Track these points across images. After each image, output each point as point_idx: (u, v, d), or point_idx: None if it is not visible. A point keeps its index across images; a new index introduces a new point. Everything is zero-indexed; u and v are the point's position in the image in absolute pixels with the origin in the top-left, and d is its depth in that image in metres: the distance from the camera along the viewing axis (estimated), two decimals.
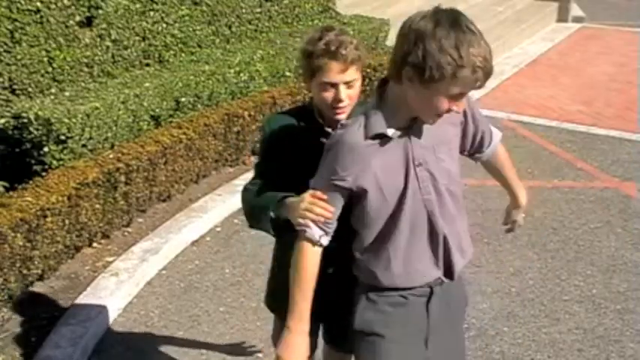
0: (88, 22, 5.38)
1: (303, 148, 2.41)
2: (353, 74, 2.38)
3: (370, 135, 2.18)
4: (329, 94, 2.38)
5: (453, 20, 2.01)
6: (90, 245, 4.58)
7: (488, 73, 2.03)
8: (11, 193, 4.21)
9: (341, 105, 2.39)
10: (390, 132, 2.18)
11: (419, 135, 2.22)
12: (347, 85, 2.38)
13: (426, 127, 2.22)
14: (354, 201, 2.28)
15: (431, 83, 2.02)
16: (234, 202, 5.16)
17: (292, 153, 2.45)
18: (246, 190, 2.55)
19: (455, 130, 2.34)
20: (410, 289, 2.34)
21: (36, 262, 4.07)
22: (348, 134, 2.20)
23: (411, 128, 2.21)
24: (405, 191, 2.22)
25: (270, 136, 2.53)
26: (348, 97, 2.39)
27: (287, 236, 2.35)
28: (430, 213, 2.27)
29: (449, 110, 2.11)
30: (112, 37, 5.56)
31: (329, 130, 2.41)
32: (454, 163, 2.34)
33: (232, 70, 5.98)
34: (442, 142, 2.28)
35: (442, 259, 2.34)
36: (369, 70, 6.30)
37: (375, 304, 2.35)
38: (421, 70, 2.01)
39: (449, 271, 2.37)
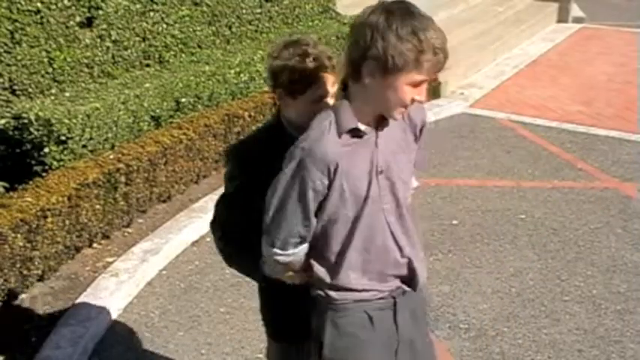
0: (88, 23, 5.38)
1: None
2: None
3: (343, 131, 2.11)
4: (319, 107, 2.32)
5: (404, 9, 2.01)
6: (90, 246, 4.58)
7: (446, 56, 2.03)
8: (11, 193, 4.21)
9: None
10: (363, 127, 2.14)
11: (385, 140, 2.18)
12: (332, 95, 2.36)
13: (391, 133, 2.19)
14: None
15: (394, 73, 2.01)
16: None
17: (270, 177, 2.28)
18: (224, 239, 2.49)
19: (414, 145, 2.30)
20: (369, 301, 2.28)
21: (36, 263, 4.07)
22: (319, 137, 2.11)
23: (377, 131, 2.16)
24: (366, 199, 2.17)
25: (242, 169, 2.41)
26: None
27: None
28: (389, 223, 2.23)
29: (413, 101, 2.08)
30: (113, 38, 5.56)
31: None
32: (411, 174, 2.31)
33: (232, 71, 5.98)
34: (403, 151, 2.25)
35: (403, 268, 2.30)
36: None
37: (341, 329, 2.29)
38: (383, 61, 1.99)
39: (411, 281, 2.33)
